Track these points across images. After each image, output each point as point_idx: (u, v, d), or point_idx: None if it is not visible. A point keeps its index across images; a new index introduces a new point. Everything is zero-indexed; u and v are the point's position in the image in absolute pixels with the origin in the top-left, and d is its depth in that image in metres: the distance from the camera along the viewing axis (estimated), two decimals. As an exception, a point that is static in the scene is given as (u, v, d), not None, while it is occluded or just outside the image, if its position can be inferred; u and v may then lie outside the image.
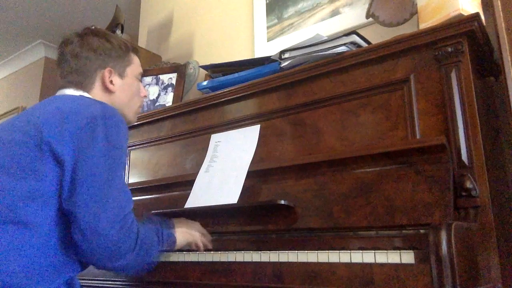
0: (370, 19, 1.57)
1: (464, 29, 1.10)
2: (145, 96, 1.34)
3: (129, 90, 1.26)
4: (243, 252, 1.09)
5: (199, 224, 1.31)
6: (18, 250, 0.92)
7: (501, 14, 1.22)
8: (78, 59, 1.19)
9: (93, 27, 1.27)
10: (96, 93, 1.19)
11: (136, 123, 1.85)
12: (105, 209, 0.95)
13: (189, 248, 1.25)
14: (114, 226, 0.95)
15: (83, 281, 1.36)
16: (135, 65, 1.29)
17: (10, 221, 0.93)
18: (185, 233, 1.22)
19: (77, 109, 1.04)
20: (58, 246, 0.97)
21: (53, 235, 0.96)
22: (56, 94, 1.18)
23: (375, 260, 0.89)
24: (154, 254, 1.07)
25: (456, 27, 1.11)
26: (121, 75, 1.24)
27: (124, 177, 1.06)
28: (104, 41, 1.23)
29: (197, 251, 1.23)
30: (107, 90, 1.21)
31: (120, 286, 1.35)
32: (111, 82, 1.21)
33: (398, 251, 0.88)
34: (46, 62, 4.14)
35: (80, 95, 1.15)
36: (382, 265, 0.87)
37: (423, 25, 1.26)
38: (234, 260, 1.10)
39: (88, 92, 1.18)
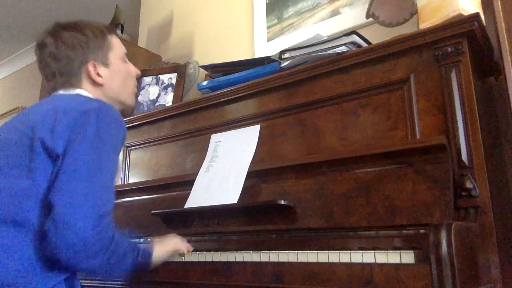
0: (370, 19, 1.57)
1: (464, 29, 1.10)
2: (137, 74, 1.29)
3: (118, 76, 1.21)
4: (243, 252, 1.09)
5: (173, 234, 1.26)
6: (15, 249, 0.91)
7: (501, 14, 1.22)
8: (58, 60, 1.14)
9: (62, 22, 1.20)
10: (87, 89, 1.16)
11: (136, 123, 1.86)
12: (83, 203, 0.91)
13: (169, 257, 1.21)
14: (88, 222, 0.90)
15: (83, 281, 1.36)
16: (116, 48, 1.23)
17: (5, 221, 0.93)
18: (161, 245, 1.16)
19: (71, 106, 1.02)
20: None
21: None
22: (53, 95, 1.16)
23: (375, 260, 0.89)
24: (127, 263, 1.01)
25: (456, 27, 1.11)
26: (106, 64, 1.18)
27: (111, 175, 1.01)
28: (78, 34, 1.16)
29: (195, 251, 1.23)
30: (96, 83, 1.17)
31: (120, 286, 1.35)
32: (98, 74, 1.16)
33: (398, 251, 0.88)
34: (46, 62, 4.14)
35: (77, 94, 1.13)
36: (382, 265, 0.87)
37: (423, 25, 1.26)
38: (234, 260, 1.10)
39: (80, 88, 1.15)
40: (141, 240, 1.15)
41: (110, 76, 1.19)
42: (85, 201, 0.91)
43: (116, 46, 1.23)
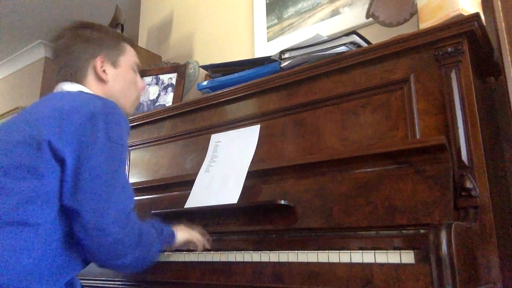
0: (370, 19, 1.57)
1: (464, 29, 1.10)
2: (142, 89, 1.31)
3: (123, 80, 1.23)
4: (243, 252, 1.09)
5: (199, 226, 1.30)
6: (20, 251, 0.91)
7: (501, 14, 1.22)
8: (69, 51, 1.18)
9: (84, 21, 1.25)
10: (91, 84, 1.17)
11: (136, 123, 1.86)
12: (108, 207, 0.95)
13: (188, 247, 1.25)
14: (117, 224, 0.95)
15: (83, 281, 1.36)
16: (129, 55, 1.26)
17: (11, 223, 0.92)
18: (184, 230, 1.22)
19: (76, 106, 1.02)
20: (59, 246, 0.96)
21: (55, 235, 0.95)
22: (54, 91, 1.16)
23: (375, 260, 0.89)
24: (154, 251, 1.07)
25: (456, 27, 1.11)
26: (114, 64, 1.21)
27: (126, 173, 1.05)
28: (95, 31, 1.21)
29: (196, 251, 1.23)
30: (100, 79, 1.18)
31: (120, 286, 1.35)
32: (103, 71, 1.18)
33: (398, 251, 0.88)
34: (46, 62, 4.14)
35: (79, 91, 1.13)
36: (382, 265, 0.87)
37: (423, 25, 1.26)
38: (234, 260, 1.10)
39: (82, 83, 1.17)
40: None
41: (115, 77, 1.21)
42: (110, 204, 0.95)
43: (129, 53, 1.27)
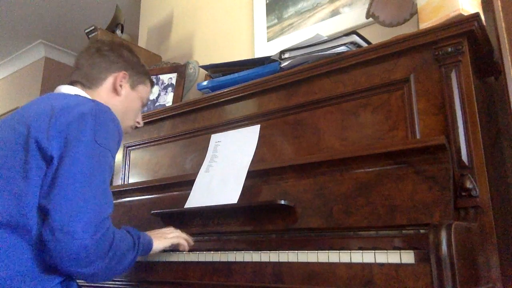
0: (370, 19, 1.57)
1: (464, 29, 1.10)
2: (138, 123, 1.35)
3: (130, 104, 1.27)
4: (243, 252, 1.09)
5: (173, 228, 1.27)
6: (12, 252, 0.90)
7: (501, 14, 1.22)
8: (101, 56, 1.22)
9: (127, 43, 1.37)
10: (102, 91, 1.20)
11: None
12: (81, 211, 0.89)
13: (174, 249, 1.23)
14: (88, 230, 0.88)
15: (81, 282, 1.36)
16: (146, 88, 1.34)
17: (2, 223, 0.91)
18: (163, 238, 1.18)
19: (68, 106, 1.00)
20: None
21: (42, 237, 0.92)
22: (53, 92, 1.17)
23: (375, 260, 0.89)
24: (128, 261, 1.00)
25: (456, 27, 1.11)
26: (132, 86, 1.27)
27: (108, 179, 1.00)
28: (132, 55, 1.30)
29: (194, 250, 1.23)
30: (114, 91, 1.22)
31: (120, 286, 1.35)
32: (121, 85, 1.23)
33: (398, 251, 0.88)
34: (46, 62, 4.14)
35: (75, 94, 1.13)
36: (382, 265, 0.87)
37: (423, 25, 1.26)
38: (234, 260, 1.10)
39: (92, 89, 1.18)
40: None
41: (127, 96, 1.26)
42: (83, 207, 0.89)
43: (147, 87, 1.35)
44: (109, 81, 1.22)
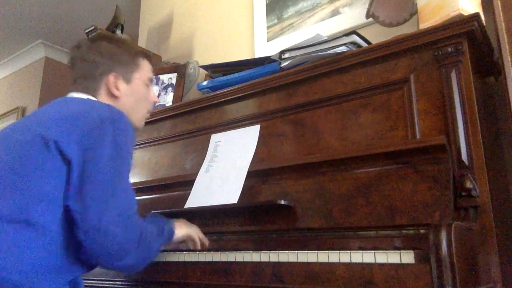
0: (370, 19, 1.57)
1: (464, 29, 1.10)
2: (155, 101, 1.34)
3: (135, 96, 1.25)
4: (243, 252, 1.09)
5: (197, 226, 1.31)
6: (24, 249, 0.92)
7: (501, 14, 1.22)
8: (85, 63, 1.20)
9: (106, 34, 1.29)
10: (102, 98, 1.20)
11: (136, 123, 1.86)
12: (108, 209, 0.96)
13: (187, 247, 1.25)
14: (117, 225, 0.96)
15: (84, 280, 1.36)
16: (143, 71, 1.28)
17: (17, 221, 0.94)
18: (183, 226, 1.23)
19: (85, 111, 1.05)
20: (63, 247, 0.97)
21: (59, 236, 0.97)
22: (66, 96, 1.19)
23: (375, 260, 0.89)
24: (155, 250, 1.08)
25: (456, 27, 1.11)
26: (127, 81, 1.23)
27: (129, 179, 1.08)
28: (113, 45, 1.24)
29: (195, 250, 1.23)
30: (112, 95, 1.21)
31: (120, 286, 1.35)
32: (116, 87, 1.21)
33: (398, 251, 0.88)
34: (46, 62, 4.14)
35: (88, 98, 1.16)
36: (382, 265, 0.87)
37: (423, 25, 1.26)
38: (234, 260, 1.10)
39: (94, 96, 1.19)
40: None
41: (127, 93, 1.23)
42: (110, 206, 0.96)
43: (143, 69, 1.28)
44: (103, 88, 1.20)
